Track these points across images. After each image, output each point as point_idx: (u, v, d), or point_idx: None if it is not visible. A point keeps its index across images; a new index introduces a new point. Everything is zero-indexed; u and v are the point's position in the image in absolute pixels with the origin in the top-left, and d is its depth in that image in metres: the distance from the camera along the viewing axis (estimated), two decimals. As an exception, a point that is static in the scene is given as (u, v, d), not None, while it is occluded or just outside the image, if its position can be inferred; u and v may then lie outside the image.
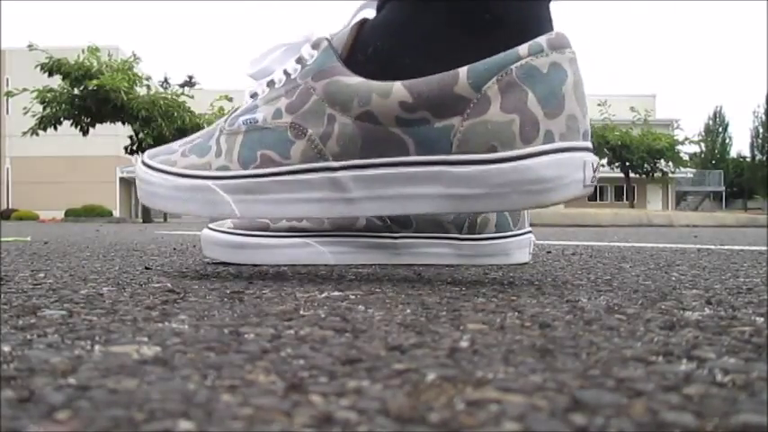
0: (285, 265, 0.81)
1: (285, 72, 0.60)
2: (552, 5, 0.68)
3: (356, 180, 0.56)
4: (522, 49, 0.52)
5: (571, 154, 0.52)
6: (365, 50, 0.57)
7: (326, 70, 0.57)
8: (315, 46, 0.58)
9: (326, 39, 0.58)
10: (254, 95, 0.63)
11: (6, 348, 0.31)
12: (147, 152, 0.69)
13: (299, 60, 0.59)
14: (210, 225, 0.87)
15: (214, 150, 0.63)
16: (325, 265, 0.82)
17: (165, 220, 13.56)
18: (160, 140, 11.70)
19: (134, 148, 12.26)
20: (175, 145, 0.68)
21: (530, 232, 0.89)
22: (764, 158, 33.92)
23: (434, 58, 0.54)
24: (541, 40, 0.53)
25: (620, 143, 15.90)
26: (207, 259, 0.87)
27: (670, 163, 16.63)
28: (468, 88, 0.52)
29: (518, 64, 0.52)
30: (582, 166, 0.53)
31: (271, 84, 0.61)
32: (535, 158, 0.52)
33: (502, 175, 0.52)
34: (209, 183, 0.62)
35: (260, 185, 0.59)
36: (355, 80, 0.55)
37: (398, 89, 0.53)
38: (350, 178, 0.56)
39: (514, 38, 0.53)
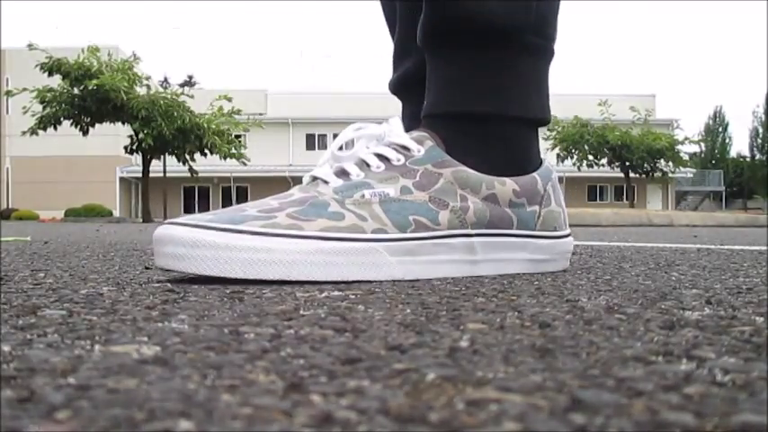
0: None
1: (382, 157, 0.69)
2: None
3: (483, 245, 0.71)
4: (552, 166, 0.80)
5: None
6: (460, 157, 0.71)
7: (446, 161, 0.70)
8: (418, 141, 0.71)
9: (428, 137, 0.71)
10: (343, 173, 0.68)
11: (6, 348, 0.31)
12: (187, 220, 0.60)
13: (399, 150, 0.69)
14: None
15: (354, 215, 0.64)
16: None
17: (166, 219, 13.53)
18: (160, 140, 11.72)
19: (134, 147, 12.26)
20: (245, 208, 0.63)
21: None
22: (764, 158, 33.93)
23: (499, 171, 0.73)
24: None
25: (620, 143, 15.91)
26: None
27: (670, 163, 16.64)
28: (542, 187, 0.76)
29: (553, 175, 0.78)
30: None
31: (363, 164, 0.69)
32: (569, 238, 0.79)
33: (560, 246, 0.77)
34: (375, 245, 0.63)
35: (420, 247, 0.66)
36: (475, 173, 0.71)
37: (510, 182, 0.73)
38: (480, 243, 0.71)
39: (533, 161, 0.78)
